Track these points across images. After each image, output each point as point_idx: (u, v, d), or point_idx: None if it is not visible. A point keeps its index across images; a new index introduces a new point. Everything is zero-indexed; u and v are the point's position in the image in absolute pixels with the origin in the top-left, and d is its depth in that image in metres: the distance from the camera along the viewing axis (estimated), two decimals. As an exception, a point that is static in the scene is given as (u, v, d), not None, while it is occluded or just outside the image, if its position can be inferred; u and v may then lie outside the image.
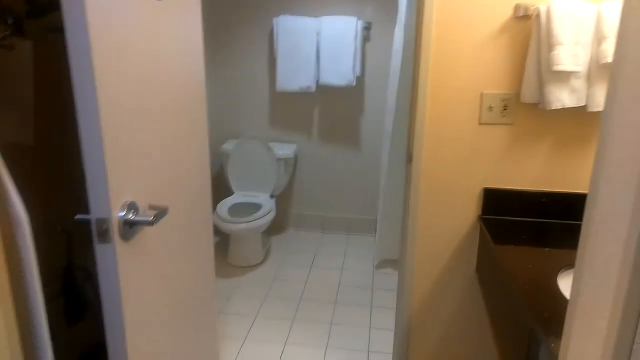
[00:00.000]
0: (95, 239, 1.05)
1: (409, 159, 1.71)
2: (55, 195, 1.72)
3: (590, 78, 1.44)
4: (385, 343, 2.29)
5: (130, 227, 1.10)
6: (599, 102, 1.44)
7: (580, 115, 1.55)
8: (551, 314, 1.10)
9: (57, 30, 1.37)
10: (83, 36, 0.93)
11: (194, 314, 1.65)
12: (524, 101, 1.54)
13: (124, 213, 1.07)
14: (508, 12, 1.50)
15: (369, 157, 3.34)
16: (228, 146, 3.17)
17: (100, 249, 1.05)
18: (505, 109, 1.58)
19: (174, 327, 1.45)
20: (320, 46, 3.01)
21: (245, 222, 2.77)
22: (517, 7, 1.47)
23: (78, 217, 1.08)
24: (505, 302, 1.40)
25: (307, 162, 3.40)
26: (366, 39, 3.12)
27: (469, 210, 1.70)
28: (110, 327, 1.11)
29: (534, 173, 1.64)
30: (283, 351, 2.21)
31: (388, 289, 2.78)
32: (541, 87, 1.48)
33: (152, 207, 1.22)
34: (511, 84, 1.56)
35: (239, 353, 2.19)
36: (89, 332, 1.97)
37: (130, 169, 1.11)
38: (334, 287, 2.79)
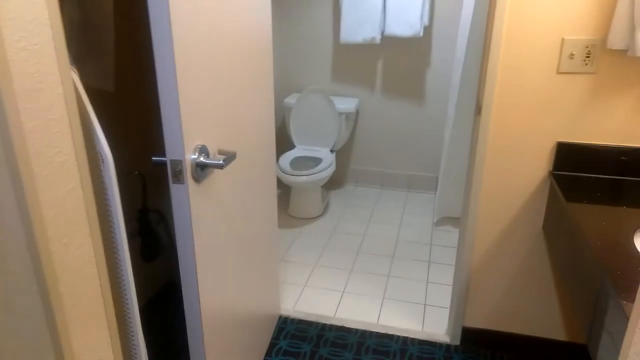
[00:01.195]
0: (170, 179, 1.11)
1: (478, 109, 1.64)
2: (132, 140, 1.83)
3: (691, 19, 1.29)
4: (442, 297, 2.30)
5: (201, 169, 1.15)
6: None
7: (675, 62, 1.41)
8: (624, 272, 1.05)
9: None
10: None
11: (258, 258, 1.73)
12: (610, 47, 1.41)
13: (195, 155, 1.12)
14: (599, -53, 1.36)
15: (432, 112, 3.24)
16: (291, 100, 3.19)
17: (174, 189, 1.11)
18: (588, 56, 1.46)
19: (240, 268, 1.53)
20: (386, -5, 2.89)
21: (306, 175, 2.81)
22: (611, -59, 1.33)
23: (155, 158, 1.14)
24: (573, 261, 1.35)
25: (369, 117, 3.36)
26: (435, -15, 2.96)
27: (540, 165, 1.62)
28: (184, 264, 1.19)
29: (615, 127, 1.52)
30: (340, 299, 2.28)
31: (447, 245, 2.76)
32: (633, 30, 1.35)
33: (221, 152, 1.27)
34: (597, 28, 1.44)
35: (298, 298, 2.28)
36: (163, 271, 2.13)
37: (201, 115, 1.15)
38: (391, 242, 2.80)
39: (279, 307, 2.14)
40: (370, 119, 3.36)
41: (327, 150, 3.12)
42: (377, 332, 2.06)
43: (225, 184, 1.33)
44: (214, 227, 1.28)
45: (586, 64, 1.47)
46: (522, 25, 1.48)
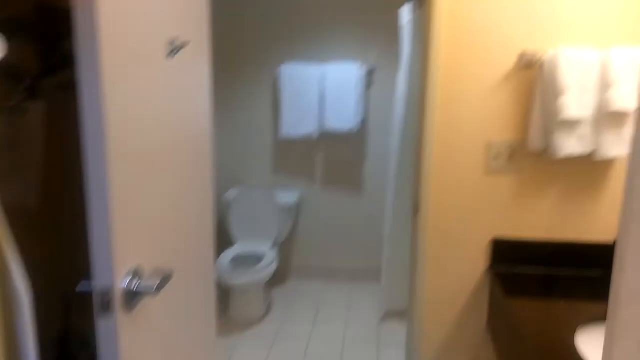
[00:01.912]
0: (96, 310, 0.99)
1: (416, 209, 1.68)
2: (55, 259, 1.67)
3: (597, 125, 1.43)
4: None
5: (132, 297, 1.04)
6: (607, 149, 1.42)
7: (587, 162, 1.54)
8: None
9: (68, 88, 1.37)
10: (97, 92, 0.91)
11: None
12: (530, 149, 1.52)
13: (127, 281, 1.02)
14: (512, 60, 1.51)
15: (372, 203, 3.30)
16: (230, 194, 3.14)
17: (101, 322, 0.99)
18: (511, 157, 1.56)
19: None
20: (324, 92, 3.04)
21: (247, 276, 2.69)
22: (522, 56, 1.48)
23: (80, 287, 1.03)
24: (517, 358, 1.33)
25: (310, 208, 3.37)
26: (369, 84, 3.16)
27: (478, 261, 1.65)
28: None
29: (543, 221, 1.60)
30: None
31: (395, 343, 2.68)
32: (548, 134, 1.47)
33: (155, 271, 1.17)
34: (517, 131, 1.55)
35: (243, 417, 2.06)
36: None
37: (136, 232, 1.07)
38: (338, 343, 2.68)
39: None
40: (311, 211, 3.36)
41: (269, 245, 3.04)
42: None
43: (159, 305, 1.22)
44: (144, 356, 1.14)
45: (511, 164, 1.57)
46: (452, 129, 1.57)
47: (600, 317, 1.27)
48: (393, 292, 2.88)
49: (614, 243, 1.51)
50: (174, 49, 1.14)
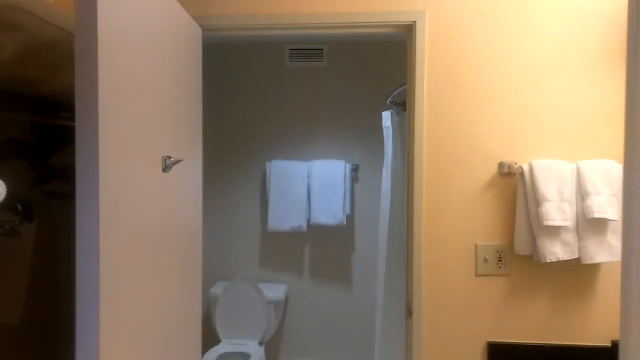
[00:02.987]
0: None
1: (409, 312, 1.66)
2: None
3: (579, 231, 1.47)
4: None
5: (114, 418, 0.99)
6: (591, 255, 1.46)
7: (574, 266, 1.56)
8: None
9: (61, 197, 1.39)
10: (93, 206, 0.93)
11: None
12: (517, 253, 1.55)
13: (109, 402, 0.98)
14: (493, 169, 1.59)
15: (361, 297, 3.25)
16: (217, 289, 3.07)
17: None
18: (500, 260, 1.59)
19: None
20: (311, 188, 3.11)
21: (233, 375, 2.56)
22: (501, 165, 1.56)
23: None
24: None
25: (298, 303, 3.29)
26: (354, 179, 3.25)
27: (475, 365, 1.61)
28: None
29: (536, 325, 1.59)
30: None
31: None
32: (533, 240, 1.51)
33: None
34: (504, 236, 1.59)
35: None
36: None
37: (123, 349, 1.04)
38: None
39: None
40: (299, 306, 3.29)
41: (256, 342, 2.93)
42: None
43: None
44: None
45: (500, 267, 1.59)
46: (439, 234, 1.61)
47: None
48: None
49: (612, 346, 1.50)
50: (169, 165, 1.19)
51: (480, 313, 1.60)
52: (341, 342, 3.28)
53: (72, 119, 0.91)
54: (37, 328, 1.60)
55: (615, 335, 1.55)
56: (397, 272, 2.64)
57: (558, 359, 1.56)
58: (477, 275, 1.60)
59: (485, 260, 1.59)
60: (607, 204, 1.43)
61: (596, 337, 1.56)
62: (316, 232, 3.27)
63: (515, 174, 1.55)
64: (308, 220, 3.13)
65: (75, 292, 0.94)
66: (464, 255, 1.60)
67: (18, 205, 1.15)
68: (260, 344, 2.95)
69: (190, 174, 1.50)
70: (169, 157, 1.25)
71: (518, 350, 1.58)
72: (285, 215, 3.10)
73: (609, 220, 1.45)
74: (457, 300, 1.60)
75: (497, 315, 1.60)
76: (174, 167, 1.30)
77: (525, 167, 1.51)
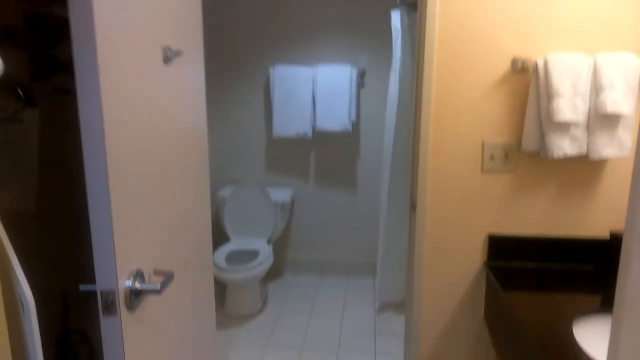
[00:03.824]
0: (100, 311, 1.00)
1: (412, 207, 1.70)
2: (53, 259, 1.67)
3: (589, 127, 1.46)
4: (391, 395, 2.21)
5: (136, 296, 1.06)
6: (599, 150, 1.45)
7: (580, 162, 1.57)
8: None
9: (65, 92, 1.37)
10: (95, 98, 0.92)
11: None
12: (525, 150, 1.55)
13: (130, 282, 1.04)
14: (506, 65, 1.53)
15: (365, 200, 3.33)
16: (224, 192, 3.15)
17: (105, 322, 1.01)
18: (506, 157, 1.59)
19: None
20: (316, 93, 3.06)
21: (243, 271, 2.71)
22: (514, 61, 1.50)
23: (83, 288, 1.04)
24: (517, 350, 1.37)
25: (304, 206, 3.39)
26: (360, 85, 3.17)
27: (475, 256, 1.68)
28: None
29: (538, 218, 1.64)
30: (286, 407, 2.12)
31: (391, 333, 2.72)
32: (541, 136, 1.50)
33: (156, 272, 1.19)
34: (511, 132, 1.58)
35: (240, 411, 2.09)
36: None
37: (137, 234, 1.09)
38: (335, 334, 2.72)
39: None
40: (305, 208, 3.39)
41: (264, 241, 3.06)
42: None
43: (161, 305, 1.24)
44: (148, 354, 1.16)
45: (506, 164, 1.60)
46: (447, 130, 1.59)
47: (594, 309, 1.31)
48: (388, 285, 2.92)
49: (610, 238, 1.55)
50: (169, 56, 1.15)
51: (483, 208, 1.64)
52: (346, 241, 3.42)
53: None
54: (53, 216, 1.67)
55: (614, 227, 1.60)
56: (402, 176, 2.67)
57: (556, 250, 1.63)
58: (482, 171, 1.61)
59: (492, 157, 1.59)
60: (622, 99, 1.40)
61: (595, 229, 1.61)
62: (321, 139, 3.27)
63: (528, 70, 1.50)
64: (313, 127, 3.12)
65: (86, 182, 0.95)
66: (470, 153, 1.61)
67: (18, 89, 1.13)
68: (268, 242, 3.08)
69: (192, 69, 1.46)
70: (169, 48, 1.21)
71: (518, 241, 1.64)
72: (290, 122, 3.08)
73: (622, 115, 1.42)
74: (462, 196, 1.64)
75: (500, 210, 1.64)
76: (175, 61, 1.26)
77: (540, 62, 1.46)
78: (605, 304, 1.34)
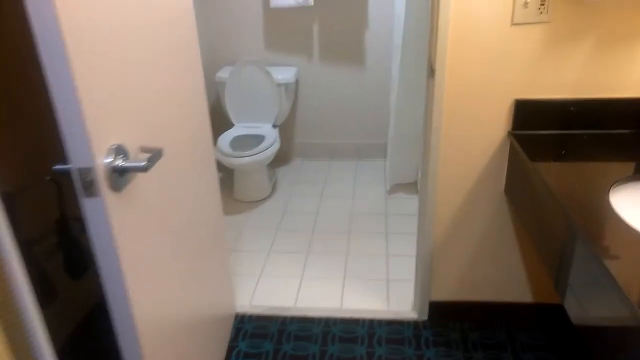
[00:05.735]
0: (79, 192, 0.88)
1: (431, 72, 1.50)
2: (41, 142, 1.55)
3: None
4: (404, 270, 2.21)
5: (120, 175, 0.93)
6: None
7: (629, 6, 1.32)
8: (601, 227, 0.96)
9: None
10: None
11: (205, 254, 1.54)
12: (566, -8, 1.30)
13: (110, 159, 0.90)
14: None
15: (375, 75, 3.09)
16: (223, 74, 2.92)
17: (86, 204, 0.89)
18: (542, 4, 1.35)
19: (184, 269, 1.34)
20: (315, -49, 2.67)
21: (249, 156, 2.60)
22: None
23: (57, 168, 0.91)
24: (543, 223, 1.27)
25: (309, 86, 3.17)
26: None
27: (498, 125, 1.52)
28: (110, 286, 0.98)
29: (573, 79, 1.44)
30: (299, 286, 2.14)
31: (402, 213, 2.68)
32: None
33: (144, 150, 1.05)
34: (551, -28, 1.32)
35: (254, 291, 2.12)
36: (95, 286, 1.88)
37: (113, 105, 0.93)
38: (346, 216, 2.68)
39: (233, 305, 1.97)
40: (311, 88, 3.17)
41: (269, 125, 2.91)
42: (341, 318, 1.94)
43: (154, 185, 1.12)
44: (143, 236, 1.07)
45: (541, 13, 1.36)
46: (473, -26, 1.33)
47: (632, 175, 1.18)
48: (400, 165, 2.81)
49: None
50: None
51: (511, 68, 1.44)
52: (355, 121, 3.26)
53: None
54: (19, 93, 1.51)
55: (662, 84, 1.40)
56: (415, 41, 2.41)
57: (591, 115, 1.45)
58: (513, 23, 1.38)
59: (526, 4, 1.35)
60: None
61: (635, 89, 1.41)
62: (325, 6, 2.93)
63: None
64: (315, -8, 2.77)
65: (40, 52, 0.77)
66: (499, 1, 1.36)
67: None
68: (274, 126, 2.94)
69: None
70: None
71: (547, 106, 1.46)
72: (289, -12, 2.73)
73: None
74: (487, 53, 1.42)
75: (529, 70, 1.44)
76: None
77: None
78: (647, 168, 1.20)
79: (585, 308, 0.99)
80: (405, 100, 2.59)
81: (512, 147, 1.52)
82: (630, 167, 1.24)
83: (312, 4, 2.77)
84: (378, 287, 2.12)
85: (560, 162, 1.31)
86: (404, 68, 2.48)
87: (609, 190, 1.12)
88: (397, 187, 2.94)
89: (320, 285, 2.14)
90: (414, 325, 1.89)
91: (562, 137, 1.45)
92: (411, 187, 2.91)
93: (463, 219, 1.69)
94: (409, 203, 2.77)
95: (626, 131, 1.44)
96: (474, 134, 1.54)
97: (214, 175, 1.64)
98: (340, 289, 2.12)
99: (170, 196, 1.23)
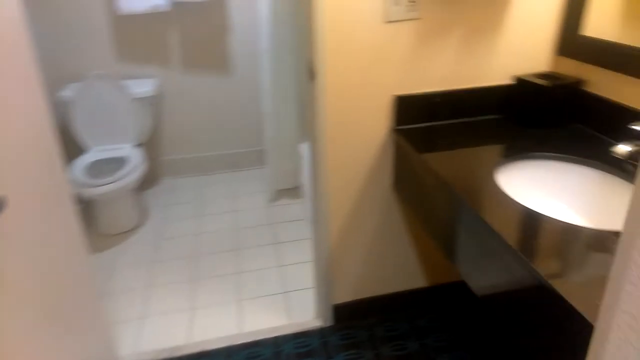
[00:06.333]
0: None
1: (312, 75, 1.44)
2: None
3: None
4: (300, 278, 2.14)
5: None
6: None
7: (486, 3, 1.42)
8: (492, 202, 0.99)
9: None
10: None
11: (69, 313, 1.27)
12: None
13: None
14: None
15: (244, 81, 2.96)
16: (68, 92, 2.53)
17: None
18: (412, 1, 1.37)
19: (43, 339, 1.08)
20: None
21: (110, 183, 2.28)
22: None
23: None
24: (433, 212, 1.30)
25: (173, 97, 2.92)
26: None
27: (380, 123, 1.53)
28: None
29: (442, 72, 1.50)
30: (191, 317, 1.94)
31: (289, 220, 2.61)
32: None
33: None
34: (415, -30, 1.34)
35: (139, 335, 1.85)
36: None
37: None
38: (230, 233, 2.52)
39: (115, 356, 1.69)
40: (175, 100, 2.93)
41: (130, 145, 2.61)
42: (243, 344, 1.80)
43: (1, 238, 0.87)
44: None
45: (411, 10, 1.38)
46: (342, -27, 1.30)
47: (510, 156, 1.25)
48: (280, 171, 2.74)
49: (517, 82, 1.47)
50: None
51: (387, 65, 1.45)
52: (226, 131, 3.10)
53: None
54: None
55: (516, 72, 1.53)
56: (283, 45, 2.36)
57: (463, 102, 1.53)
58: (386, 21, 1.38)
59: (396, 2, 1.36)
60: None
61: (498, 76, 1.53)
62: (182, 11, 2.72)
63: None
64: (168, -4, 2.55)
65: None
66: (372, 1, 1.35)
67: None
68: (137, 146, 2.64)
69: None
70: None
71: (424, 99, 1.50)
72: (137, -8, 2.47)
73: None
74: (365, 54, 1.41)
75: (404, 66, 1.46)
76: None
77: None
78: (520, 150, 1.29)
79: (483, 277, 1.04)
80: (280, 105, 2.52)
81: (396, 143, 1.54)
82: (506, 148, 1.32)
83: (167, 9, 2.55)
84: (277, 302, 2.01)
85: (443, 152, 1.34)
86: (274, 72, 2.41)
87: (492, 171, 1.18)
88: (280, 194, 2.86)
89: (215, 313, 1.96)
90: (320, 333, 1.83)
91: (442, 128, 1.50)
92: (294, 192, 2.86)
93: (356, 218, 1.68)
94: (294, 208, 2.71)
95: (499, 115, 1.55)
96: (358, 134, 1.53)
97: (70, 212, 1.37)
98: (237, 312, 1.96)
99: (19, 248, 0.98)
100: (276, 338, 1.81)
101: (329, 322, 1.86)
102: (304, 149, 2.66)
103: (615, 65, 1.28)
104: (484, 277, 1.04)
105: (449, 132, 1.47)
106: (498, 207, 1.03)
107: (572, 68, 1.45)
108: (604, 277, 0.80)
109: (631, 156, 1.08)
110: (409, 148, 1.40)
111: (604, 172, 1.16)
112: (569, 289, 0.78)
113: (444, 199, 1.20)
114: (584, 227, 0.94)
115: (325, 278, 1.76)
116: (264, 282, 2.13)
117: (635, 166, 1.11)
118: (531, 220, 0.98)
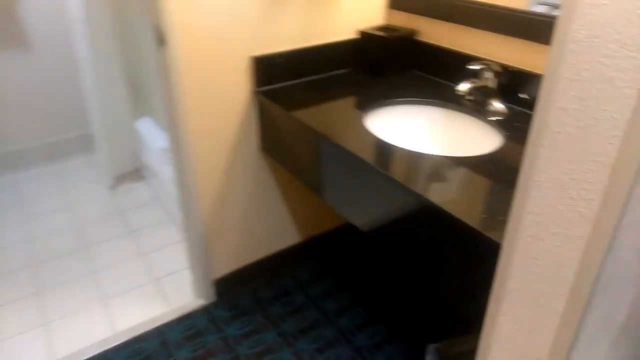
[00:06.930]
0: None
1: (160, 41, 1.32)
2: None
3: None
4: (170, 261, 2.02)
5: None
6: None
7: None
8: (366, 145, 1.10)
9: None
10: None
11: None
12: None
13: None
14: None
15: (52, 58, 2.54)
16: None
17: None
18: (257, -42, 1.34)
19: None
20: None
21: None
22: None
23: None
24: (308, 168, 1.35)
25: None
26: None
27: (241, 86, 1.49)
28: None
29: (297, 29, 1.51)
30: (46, 334, 1.69)
31: (138, 204, 2.40)
32: None
33: None
34: None
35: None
36: None
37: None
38: (72, 231, 2.22)
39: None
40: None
41: None
42: (123, 343, 1.64)
43: None
44: None
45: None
46: None
47: (371, 104, 1.35)
48: (116, 153, 2.48)
49: (361, 36, 1.57)
50: None
51: (242, 26, 1.40)
52: (40, 116, 2.65)
53: None
54: None
55: (360, 26, 1.63)
56: (104, 13, 2.08)
57: (316, 58, 1.58)
58: (235, -19, 1.33)
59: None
60: None
61: (345, 32, 1.61)
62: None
63: None
64: None
65: None
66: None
67: None
68: None
69: None
70: None
71: (280, 58, 1.51)
72: None
73: None
74: (218, 16, 1.34)
75: (258, 27, 1.44)
76: None
77: None
78: (375, 99, 1.40)
79: (367, 213, 1.14)
80: (105, 80, 2.24)
81: (261, 104, 1.52)
82: (366, 97, 1.42)
83: None
84: (149, 291, 1.87)
85: (309, 108, 1.38)
86: (95, 45, 2.12)
87: (360, 118, 1.27)
88: (120, 179, 2.60)
89: (75, 321, 1.74)
90: (205, 311, 1.78)
91: (299, 86, 1.53)
92: (135, 174, 2.62)
93: (227, 185, 1.64)
94: (140, 191, 2.51)
95: (347, 70, 1.64)
96: (219, 99, 1.47)
97: None
98: (105, 312, 1.77)
99: None
100: (158, 328, 1.70)
101: (212, 299, 1.81)
102: (143, 125, 2.45)
103: (442, 15, 1.47)
104: (367, 211, 1.13)
105: (308, 89, 1.51)
106: (370, 146, 1.13)
107: (405, 20, 1.62)
108: (462, 191, 0.95)
109: (470, 92, 1.28)
110: (276, 107, 1.40)
111: (448, 110, 1.35)
112: (445, 201, 0.90)
113: (318, 150, 1.25)
114: (444, 156, 1.09)
115: (203, 255, 1.70)
116: (128, 275, 1.95)
117: (472, 101, 1.31)
118: (402, 154, 1.09)
